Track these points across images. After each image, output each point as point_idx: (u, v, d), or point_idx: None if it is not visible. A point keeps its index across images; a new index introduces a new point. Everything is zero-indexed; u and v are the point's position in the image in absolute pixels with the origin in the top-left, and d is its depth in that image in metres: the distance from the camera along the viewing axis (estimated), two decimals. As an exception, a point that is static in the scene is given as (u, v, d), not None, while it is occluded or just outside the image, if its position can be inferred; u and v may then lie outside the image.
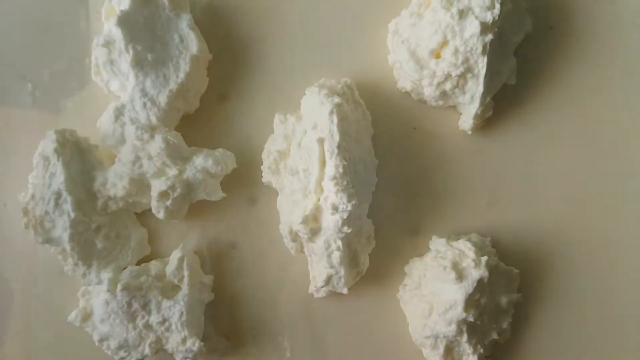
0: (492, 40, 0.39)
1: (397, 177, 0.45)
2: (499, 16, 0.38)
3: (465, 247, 0.41)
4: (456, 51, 0.39)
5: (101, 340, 0.44)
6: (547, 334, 0.44)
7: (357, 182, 0.41)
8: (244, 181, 0.46)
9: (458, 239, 0.43)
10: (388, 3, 0.44)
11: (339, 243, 0.41)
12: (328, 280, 0.42)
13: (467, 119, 0.42)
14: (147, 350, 0.44)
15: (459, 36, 0.39)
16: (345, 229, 0.40)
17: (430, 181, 0.44)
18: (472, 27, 0.38)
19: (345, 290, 0.43)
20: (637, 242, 0.43)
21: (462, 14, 0.38)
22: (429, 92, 0.42)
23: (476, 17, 0.38)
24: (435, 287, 0.41)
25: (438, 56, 0.40)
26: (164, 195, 0.43)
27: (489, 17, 0.38)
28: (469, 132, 0.43)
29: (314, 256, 0.43)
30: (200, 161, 0.43)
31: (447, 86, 0.41)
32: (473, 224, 0.44)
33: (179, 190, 0.43)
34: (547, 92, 0.43)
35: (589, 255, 0.44)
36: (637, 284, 0.43)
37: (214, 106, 0.46)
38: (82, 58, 0.47)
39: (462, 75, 0.40)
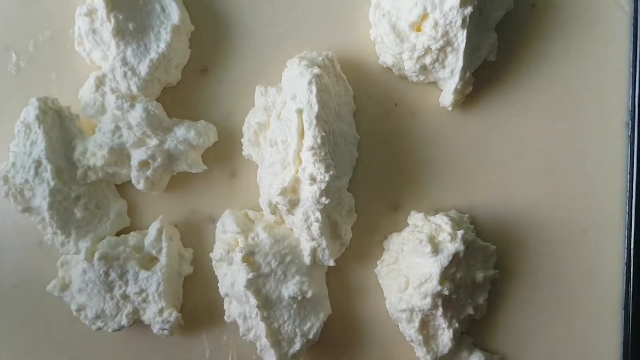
0: (472, 13, 0.39)
1: (379, 153, 0.45)
2: None
3: (442, 222, 0.41)
4: (436, 24, 0.39)
5: (78, 310, 0.44)
6: (523, 311, 0.44)
7: (336, 155, 0.42)
8: (224, 154, 0.46)
9: (436, 214, 0.43)
10: None
11: (318, 215, 0.41)
12: (313, 253, 0.43)
13: (447, 95, 0.42)
14: (124, 321, 0.44)
15: (438, 9, 0.39)
16: (323, 199, 0.40)
17: (411, 157, 0.44)
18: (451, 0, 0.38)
19: (332, 262, 0.43)
20: (610, 220, 0.43)
21: (441, -14, 0.39)
22: (409, 66, 0.42)
23: (455, -11, 0.38)
24: (412, 261, 0.42)
25: (418, 29, 0.40)
26: (144, 164, 0.43)
27: (468, -10, 0.38)
28: (450, 109, 0.43)
29: (295, 229, 0.43)
30: (182, 132, 0.43)
31: (427, 60, 0.41)
32: (452, 200, 0.44)
33: (159, 160, 0.43)
34: (527, 69, 0.44)
35: (566, 233, 0.44)
36: (609, 259, 0.43)
37: (195, 78, 0.46)
38: (66, 29, 0.46)
39: (442, 49, 0.40)
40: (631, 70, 0.43)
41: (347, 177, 0.44)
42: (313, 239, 0.42)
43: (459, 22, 0.39)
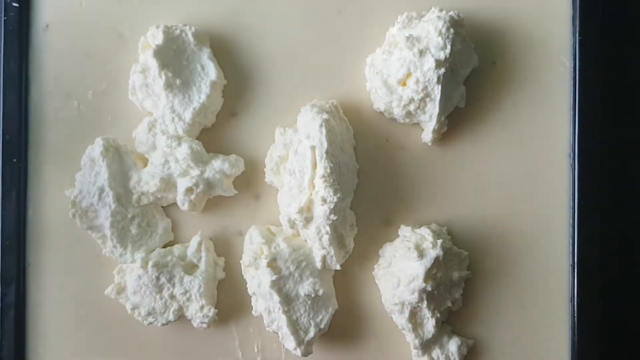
0: (444, 72, 0.48)
1: (374, 179, 0.53)
2: (450, 54, 0.48)
3: (425, 233, 0.51)
4: (417, 81, 0.49)
5: (133, 309, 0.53)
6: (491, 304, 0.53)
7: (341, 181, 0.50)
8: (251, 181, 0.54)
9: (421, 227, 0.52)
10: (366, 43, 0.53)
11: (328, 228, 0.49)
12: (323, 259, 0.51)
13: (427, 134, 0.52)
14: (171, 317, 0.52)
15: (419, 69, 0.49)
16: (332, 217, 0.49)
17: (400, 182, 0.53)
18: (429, 62, 0.48)
19: (338, 267, 0.51)
20: (558, 231, 0.52)
21: (422, 52, 0.49)
22: (397, 112, 0.51)
23: (432, 55, 0.49)
24: (402, 264, 0.50)
25: (404, 84, 0.50)
26: (189, 191, 0.51)
27: (442, 55, 0.48)
28: (430, 144, 0.52)
29: (309, 240, 0.52)
30: (218, 164, 0.52)
31: (412, 107, 0.50)
32: (433, 216, 0.53)
33: (201, 187, 0.51)
34: (490, 114, 0.53)
35: (525, 242, 0.53)
36: (557, 262, 0.52)
37: (227, 121, 0.54)
38: (118, 80, 0.54)
39: (422, 99, 0.50)
40: (571, 112, 0.52)
41: (349, 198, 0.53)
42: (323, 248, 0.50)
43: (435, 79, 0.49)
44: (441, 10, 0.51)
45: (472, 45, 0.52)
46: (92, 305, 0.55)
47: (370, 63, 0.53)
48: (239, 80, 0.55)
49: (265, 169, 0.54)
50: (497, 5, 0.53)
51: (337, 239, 0.51)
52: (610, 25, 0.53)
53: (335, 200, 0.49)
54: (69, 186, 0.54)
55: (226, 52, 0.55)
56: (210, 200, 0.54)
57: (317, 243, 0.51)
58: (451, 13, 0.50)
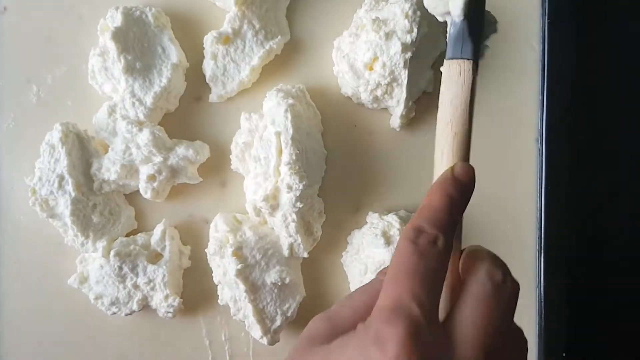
0: (411, 57, 0.48)
1: (342, 165, 0.53)
2: (417, 38, 0.48)
3: (392, 220, 0.50)
4: (384, 65, 0.49)
5: (96, 299, 0.52)
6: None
7: (308, 168, 0.50)
8: (216, 168, 0.53)
9: (388, 214, 0.52)
10: (333, 25, 0.52)
11: (294, 216, 0.49)
12: (290, 247, 0.51)
13: (395, 119, 0.51)
14: (135, 307, 0.52)
15: (386, 53, 0.48)
16: (298, 204, 0.49)
17: (368, 168, 0.53)
18: (396, 46, 0.48)
19: (305, 254, 0.51)
20: (526, 216, 0.53)
21: (388, 35, 0.48)
22: (365, 97, 0.51)
23: (399, 39, 0.48)
24: (370, 251, 0.50)
25: (371, 69, 0.49)
26: (151, 178, 0.51)
27: (408, 39, 0.48)
28: (397, 129, 0.52)
29: (275, 228, 0.52)
30: (182, 150, 0.51)
31: (379, 92, 0.50)
32: (402, 202, 0.53)
33: (164, 174, 0.50)
34: None
35: (493, 227, 0.53)
36: (525, 247, 0.53)
37: (191, 105, 0.53)
38: (79, 64, 0.53)
39: (389, 84, 0.49)
40: (540, 97, 0.52)
41: (317, 185, 0.52)
42: (290, 236, 0.50)
43: (402, 63, 0.48)
44: None
45: (440, 28, 0.51)
46: (55, 295, 0.54)
47: (337, 46, 0.52)
48: (202, 62, 0.53)
49: (230, 156, 0.53)
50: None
51: (305, 226, 0.51)
52: (580, 7, 0.52)
53: (301, 187, 0.48)
54: (29, 173, 0.53)
55: (189, 33, 0.53)
56: (175, 187, 0.54)
57: (284, 231, 0.50)
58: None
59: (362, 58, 0.50)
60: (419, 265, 0.30)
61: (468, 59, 0.36)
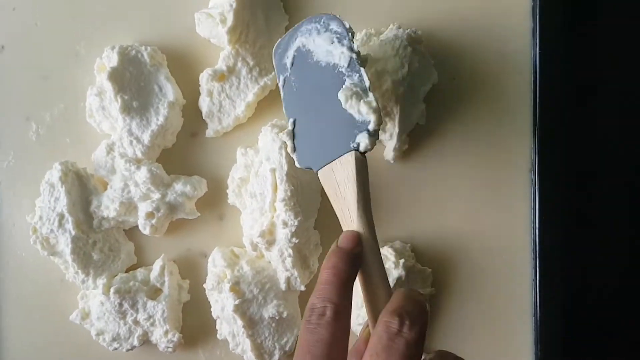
0: (403, 91, 0.49)
1: None
2: (408, 73, 0.49)
3: (387, 252, 0.51)
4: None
5: (98, 335, 0.52)
6: (456, 320, 0.53)
7: (304, 202, 0.50)
8: (213, 202, 0.54)
9: (384, 246, 0.52)
10: None
11: (290, 251, 0.50)
12: (287, 281, 0.51)
13: (389, 152, 0.52)
14: (135, 342, 0.52)
15: (378, 90, 0.49)
16: (294, 240, 0.49)
17: None
18: (387, 83, 0.49)
19: (302, 288, 0.51)
20: (520, 246, 0.53)
21: (380, 73, 0.49)
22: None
23: (390, 76, 0.49)
24: None
25: None
26: (149, 215, 0.51)
27: (399, 75, 0.48)
28: (392, 162, 0.52)
29: (272, 262, 0.52)
30: (180, 187, 0.51)
31: None
32: (397, 233, 0.53)
33: (162, 211, 0.51)
34: (451, 130, 0.53)
35: (488, 257, 0.53)
36: (519, 276, 0.53)
37: (188, 141, 0.54)
38: (77, 102, 0.54)
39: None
40: (532, 129, 0.53)
41: (313, 218, 0.52)
42: (287, 270, 0.50)
43: (394, 99, 0.49)
44: (399, 27, 0.50)
45: (431, 61, 0.52)
46: (58, 331, 0.55)
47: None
48: (198, 99, 0.54)
49: (227, 190, 0.54)
50: (456, 19, 0.53)
51: (301, 260, 0.51)
52: (570, 37, 0.53)
53: (296, 223, 0.49)
54: (30, 210, 0.54)
55: (185, 70, 0.54)
56: (173, 221, 0.54)
57: (281, 265, 0.51)
58: (408, 31, 0.50)
59: (355, 94, 0.50)
60: (310, 342, 0.34)
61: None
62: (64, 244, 0.52)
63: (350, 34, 0.43)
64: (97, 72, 0.53)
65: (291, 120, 0.46)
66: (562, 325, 0.52)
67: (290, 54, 0.45)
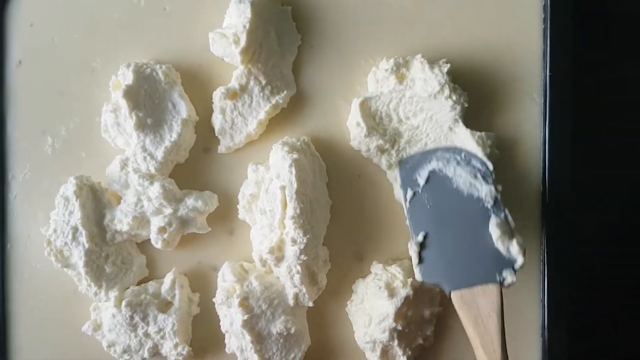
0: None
1: (347, 214, 0.54)
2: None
3: (396, 272, 0.51)
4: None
5: (109, 346, 0.53)
6: (463, 339, 0.52)
7: (313, 219, 0.51)
8: (225, 215, 0.54)
9: (393, 264, 0.52)
10: (339, 77, 0.54)
11: (299, 268, 0.50)
12: (295, 297, 0.52)
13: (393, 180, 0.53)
14: (146, 354, 0.53)
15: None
16: (303, 257, 0.49)
17: (372, 218, 0.54)
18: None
19: (310, 304, 0.52)
20: (532, 268, 0.52)
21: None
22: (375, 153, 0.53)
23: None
24: (373, 302, 0.51)
25: None
26: (162, 230, 0.52)
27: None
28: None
29: (281, 277, 0.52)
30: (192, 202, 0.52)
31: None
32: (406, 252, 0.51)
33: (174, 225, 0.52)
34: None
35: None
36: (527, 293, 0.53)
37: (200, 156, 0.55)
38: (92, 117, 0.55)
39: None
40: (541, 148, 0.53)
41: (322, 234, 0.53)
42: (295, 286, 0.51)
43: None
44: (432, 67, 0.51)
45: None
46: (70, 341, 0.56)
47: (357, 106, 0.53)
48: (210, 116, 0.55)
49: (238, 206, 0.54)
50: (467, 43, 0.53)
51: (309, 276, 0.52)
52: (580, 61, 0.53)
53: (305, 241, 0.49)
54: (45, 222, 0.55)
55: (199, 87, 0.55)
56: (185, 235, 0.55)
57: (289, 281, 0.51)
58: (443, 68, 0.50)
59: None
60: None
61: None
62: (78, 257, 0.53)
63: (493, 174, 0.47)
64: (113, 89, 0.54)
65: (422, 233, 0.48)
66: (569, 346, 0.52)
67: (424, 173, 0.49)
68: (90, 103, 0.56)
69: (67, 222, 0.53)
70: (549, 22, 0.52)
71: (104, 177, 0.55)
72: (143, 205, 0.53)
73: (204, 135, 0.55)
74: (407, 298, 0.50)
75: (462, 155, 0.48)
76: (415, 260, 0.47)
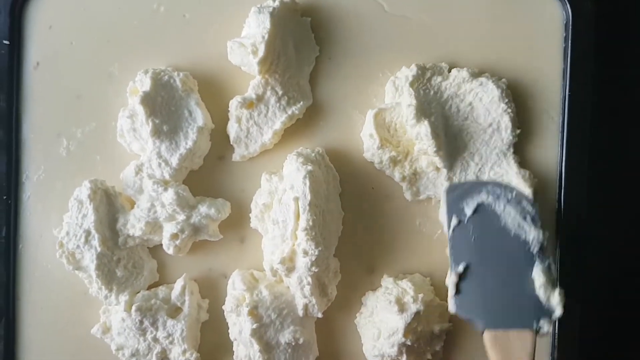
0: None
1: (359, 226, 0.54)
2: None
3: (406, 286, 0.51)
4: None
5: (117, 350, 0.53)
6: (472, 355, 0.53)
7: (325, 230, 0.51)
8: (237, 223, 0.54)
9: (404, 278, 0.52)
10: (356, 89, 0.54)
11: (309, 279, 0.50)
12: (305, 308, 0.52)
13: (406, 191, 0.54)
14: (154, 359, 0.53)
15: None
16: (314, 268, 0.49)
17: (384, 231, 0.54)
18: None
19: (319, 315, 0.52)
20: None
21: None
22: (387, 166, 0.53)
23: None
24: (383, 316, 0.51)
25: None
26: (174, 236, 0.52)
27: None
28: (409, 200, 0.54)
29: (291, 287, 0.52)
30: (205, 209, 0.52)
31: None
32: (417, 266, 0.53)
33: (186, 232, 0.52)
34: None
35: None
36: None
37: (214, 164, 0.55)
38: (108, 121, 0.55)
39: None
40: (559, 168, 0.53)
41: (333, 246, 0.53)
42: (305, 297, 0.51)
43: None
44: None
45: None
46: (79, 343, 0.56)
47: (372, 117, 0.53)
48: (225, 124, 0.55)
49: (250, 214, 0.54)
50: (486, 59, 0.53)
51: (320, 287, 0.52)
52: (600, 80, 0.52)
53: (317, 253, 0.49)
54: (57, 223, 0.55)
55: (215, 96, 0.55)
56: (196, 242, 0.55)
57: (299, 292, 0.51)
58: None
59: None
60: None
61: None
62: (89, 260, 0.53)
63: (541, 220, 0.46)
64: (130, 95, 0.54)
65: (463, 264, 0.46)
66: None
67: (473, 204, 0.47)
68: (106, 108, 0.56)
69: (80, 225, 0.53)
70: (569, 41, 0.51)
71: (118, 181, 0.55)
72: (156, 210, 0.53)
73: (219, 143, 0.55)
74: (417, 314, 0.50)
75: (514, 194, 0.47)
76: (452, 291, 0.46)
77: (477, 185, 0.48)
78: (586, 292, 0.52)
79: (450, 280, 0.46)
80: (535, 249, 0.46)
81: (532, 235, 0.46)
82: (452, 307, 0.45)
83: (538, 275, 0.45)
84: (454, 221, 0.47)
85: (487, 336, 0.44)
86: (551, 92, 0.53)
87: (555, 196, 0.53)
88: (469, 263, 0.46)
